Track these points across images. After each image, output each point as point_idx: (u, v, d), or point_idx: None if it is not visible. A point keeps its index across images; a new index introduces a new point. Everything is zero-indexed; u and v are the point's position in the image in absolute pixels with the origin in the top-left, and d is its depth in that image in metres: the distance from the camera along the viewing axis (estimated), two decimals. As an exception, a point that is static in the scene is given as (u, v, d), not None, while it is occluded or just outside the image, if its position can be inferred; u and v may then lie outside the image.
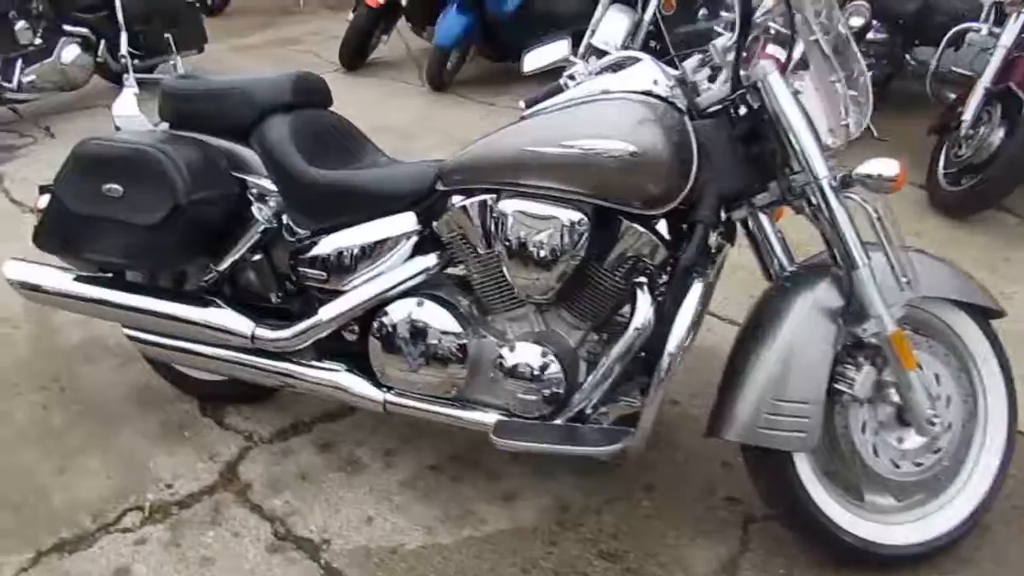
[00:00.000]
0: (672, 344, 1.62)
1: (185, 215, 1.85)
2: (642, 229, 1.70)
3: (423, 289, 1.89)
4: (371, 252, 1.90)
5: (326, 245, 1.92)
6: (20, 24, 4.39)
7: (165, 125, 2.09)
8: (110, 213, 1.90)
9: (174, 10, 2.35)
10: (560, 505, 1.98)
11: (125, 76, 2.35)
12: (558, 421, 1.80)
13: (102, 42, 4.77)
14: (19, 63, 4.41)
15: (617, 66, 1.85)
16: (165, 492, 2.03)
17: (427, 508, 1.98)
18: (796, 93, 1.63)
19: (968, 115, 3.37)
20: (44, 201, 2.10)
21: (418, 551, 1.86)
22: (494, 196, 1.77)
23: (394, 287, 1.87)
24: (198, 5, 4.95)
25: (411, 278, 1.87)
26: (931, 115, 3.82)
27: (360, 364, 1.97)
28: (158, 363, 2.30)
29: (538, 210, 1.70)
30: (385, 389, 1.94)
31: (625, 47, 4.25)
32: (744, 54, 1.65)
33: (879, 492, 1.77)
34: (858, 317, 1.65)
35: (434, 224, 1.86)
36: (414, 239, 1.89)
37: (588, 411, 1.80)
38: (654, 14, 4.34)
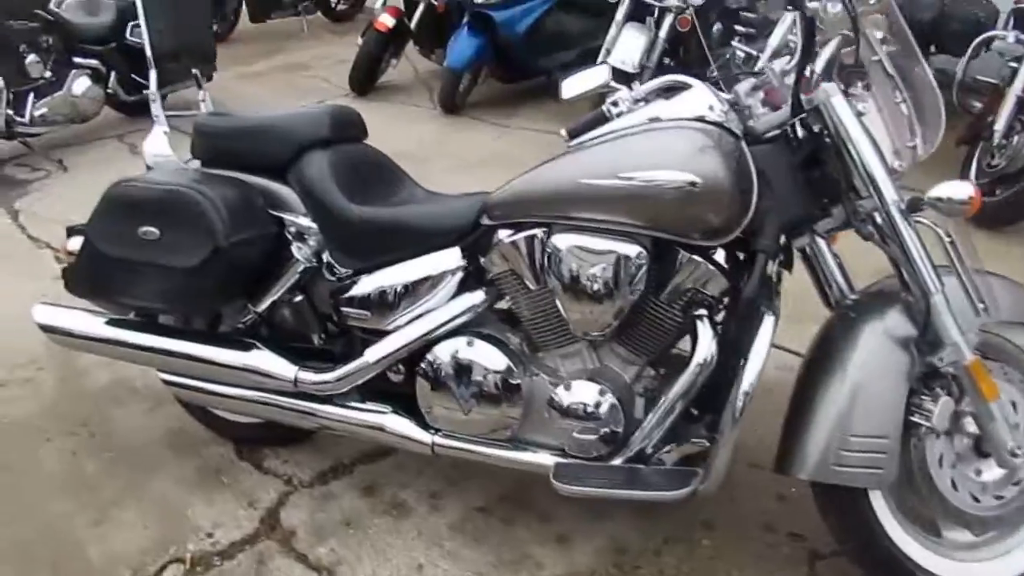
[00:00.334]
0: (746, 382, 1.55)
1: (225, 257, 1.79)
2: (701, 260, 1.64)
3: (469, 326, 1.83)
4: (415, 289, 1.84)
5: (369, 284, 1.86)
6: (31, 57, 4.35)
7: (195, 163, 2.04)
8: (147, 256, 1.84)
9: (201, 45, 2.30)
10: (617, 547, 1.91)
11: (155, 115, 2.29)
12: (617, 461, 1.73)
13: (112, 73, 4.76)
14: (31, 97, 4.37)
15: (665, 91, 1.80)
16: (206, 542, 1.96)
17: (479, 553, 1.90)
18: (860, 115, 1.58)
19: (1000, 124, 3.32)
20: (74, 244, 2.04)
21: (474, 600, 1.79)
22: (545, 230, 1.71)
23: (442, 326, 1.81)
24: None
25: (459, 316, 1.81)
26: (956, 124, 3.76)
27: (405, 404, 1.91)
28: (192, 406, 2.23)
29: (596, 244, 1.64)
30: (433, 431, 1.87)
31: (642, 66, 4.21)
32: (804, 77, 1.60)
33: (957, 527, 1.70)
34: (932, 346, 1.58)
35: (481, 260, 1.80)
36: (459, 275, 1.83)
37: (648, 451, 1.73)
38: (669, 31, 4.31)
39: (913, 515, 1.68)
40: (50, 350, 2.71)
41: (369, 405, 1.93)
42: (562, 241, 1.67)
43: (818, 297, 1.77)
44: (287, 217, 1.92)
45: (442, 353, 1.80)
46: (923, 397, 1.61)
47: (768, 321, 1.59)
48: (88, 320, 2.08)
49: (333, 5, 7.81)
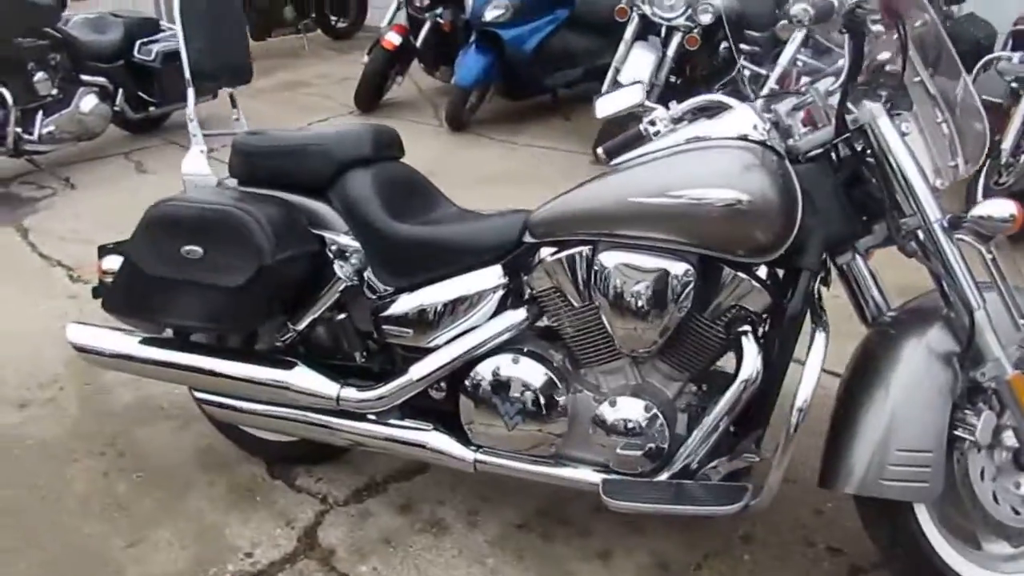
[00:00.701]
0: (800, 398, 1.57)
1: (271, 276, 1.80)
2: (746, 277, 1.66)
3: (511, 343, 1.84)
4: (456, 307, 1.85)
5: (410, 301, 1.87)
6: (39, 75, 4.34)
7: (232, 181, 2.05)
8: (190, 275, 1.84)
9: (239, 63, 2.30)
10: (658, 562, 1.92)
11: (192, 134, 2.29)
12: (662, 477, 1.74)
13: (120, 91, 4.76)
14: (39, 114, 4.36)
15: (703, 111, 1.83)
16: (246, 562, 1.95)
17: (521, 570, 1.90)
18: (903, 135, 1.61)
19: (1007, 143, 3.39)
20: (108, 263, 2.04)
21: (519, 617, 1.79)
22: (590, 248, 1.73)
23: (485, 343, 1.82)
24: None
25: (502, 333, 1.82)
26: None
27: (445, 421, 1.91)
28: (223, 425, 2.23)
29: (644, 262, 1.66)
30: (474, 447, 1.88)
31: (652, 84, 4.26)
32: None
33: (996, 539, 1.72)
34: (974, 360, 1.61)
35: (524, 277, 1.81)
36: (500, 292, 1.84)
37: (693, 466, 1.74)
38: (677, 50, 4.36)
39: (953, 527, 1.70)
40: (69, 369, 2.71)
41: (410, 422, 1.93)
42: (610, 259, 1.68)
43: (844, 314, 1.79)
44: (328, 235, 1.93)
45: (486, 370, 1.81)
46: (966, 412, 1.63)
47: (820, 338, 1.62)
48: (122, 340, 2.08)
49: (333, 23, 7.85)
